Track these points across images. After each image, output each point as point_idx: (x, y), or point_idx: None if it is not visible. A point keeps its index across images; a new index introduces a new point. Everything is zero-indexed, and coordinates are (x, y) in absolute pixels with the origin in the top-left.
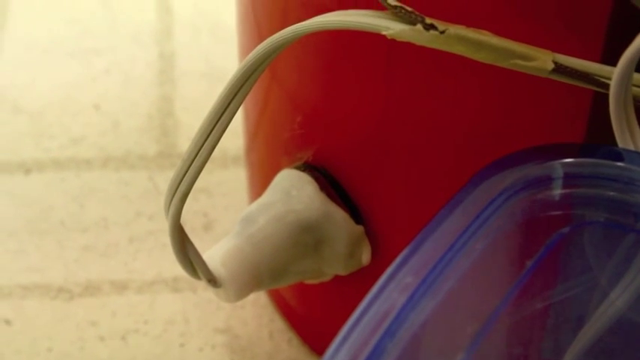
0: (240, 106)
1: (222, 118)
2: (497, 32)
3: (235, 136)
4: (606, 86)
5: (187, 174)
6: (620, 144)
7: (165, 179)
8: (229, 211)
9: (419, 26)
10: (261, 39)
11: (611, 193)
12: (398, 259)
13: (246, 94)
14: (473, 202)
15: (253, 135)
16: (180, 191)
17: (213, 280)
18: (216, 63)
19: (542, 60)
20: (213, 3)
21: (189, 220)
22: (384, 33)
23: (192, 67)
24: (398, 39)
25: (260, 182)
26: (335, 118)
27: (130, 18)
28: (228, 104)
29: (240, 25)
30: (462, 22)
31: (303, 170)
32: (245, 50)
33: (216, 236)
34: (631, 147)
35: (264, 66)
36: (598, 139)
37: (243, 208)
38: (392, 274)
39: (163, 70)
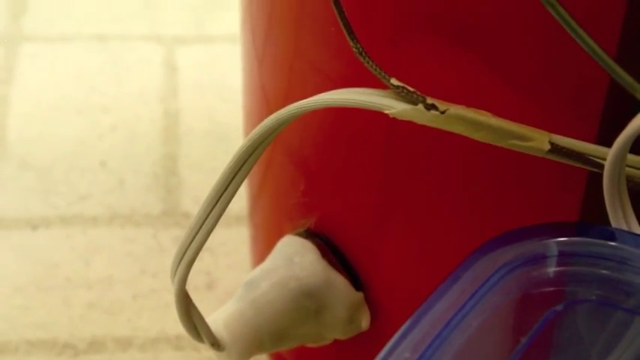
0: (245, 178)
1: (228, 189)
2: (497, 112)
3: (238, 196)
4: (601, 166)
5: (193, 242)
6: (613, 223)
7: (169, 237)
8: (232, 270)
9: (420, 106)
10: (266, 100)
11: (604, 272)
12: (397, 335)
13: (251, 167)
14: (469, 279)
15: (256, 198)
16: (187, 258)
17: (216, 344)
18: (220, 121)
19: (538, 141)
20: (218, 61)
21: (192, 279)
22: (386, 112)
23: (197, 125)
24: (400, 118)
25: (263, 245)
26: (337, 187)
27: (136, 75)
28: (234, 176)
29: (245, 85)
30: (462, 101)
31: (306, 237)
32: (249, 111)
33: (218, 295)
34: (624, 227)
35: (269, 140)
36: (593, 215)
37: (246, 267)
38: (391, 350)
39: (168, 128)
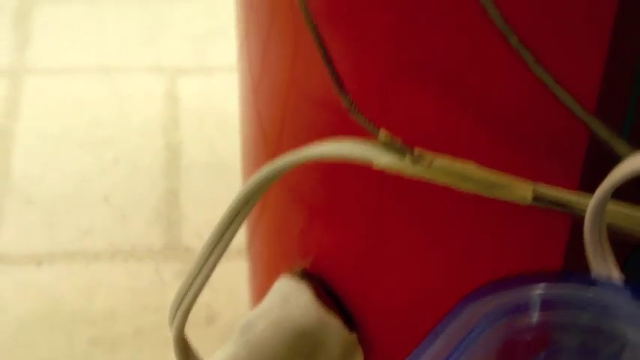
0: (240, 227)
1: (224, 238)
2: (482, 160)
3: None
4: (583, 214)
5: (190, 289)
6: (595, 271)
7: (170, 271)
8: (232, 303)
9: (407, 159)
10: (263, 131)
11: (585, 319)
12: None
13: (245, 217)
14: (455, 329)
15: (253, 237)
16: (184, 305)
17: None
18: (221, 153)
19: (522, 190)
20: (219, 92)
21: (192, 314)
22: (374, 165)
23: (198, 158)
24: (387, 170)
25: (261, 283)
26: (331, 229)
27: (138, 108)
28: (228, 227)
29: (242, 114)
30: (449, 149)
31: (301, 278)
32: (246, 141)
33: (218, 329)
34: (605, 274)
35: (262, 191)
36: (578, 260)
37: (246, 301)
38: None
39: (170, 161)
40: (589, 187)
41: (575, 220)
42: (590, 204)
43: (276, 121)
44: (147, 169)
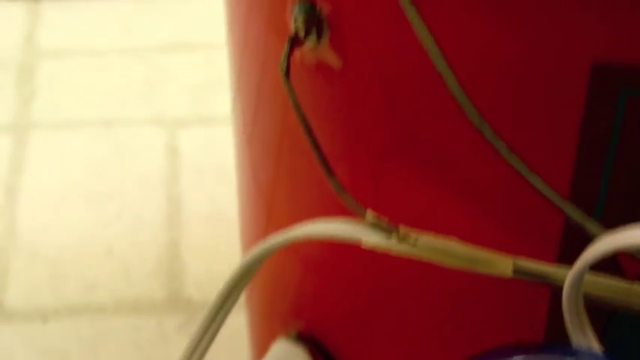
0: (235, 303)
1: (219, 316)
2: (464, 237)
3: None
4: (562, 284)
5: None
6: (574, 341)
7: (173, 325)
8: (232, 357)
9: (393, 238)
10: (257, 182)
11: None
12: None
13: (240, 293)
14: None
15: (250, 297)
16: None
17: None
18: (221, 204)
19: (503, 265)
20: (218, 143)
21: None
22: (362, 244)
23: (198, 209)
24: (375, 250)
25: (258, 339)
26: (326, 293)
27: (139, 161)
28: (222, 306)
29: (237, 168)
30: (435, 226)
31: (296, 340)
32: (241, 195)
33: None
34: (584, 344)
35: (253, 269)
36: (558, 331)
37: (246, 354)
38: None
39: (171, 213)
40: (568, 259)
41: (555, 291)
42: (566, 282)
43: (270, 173)
44: (149, 222)
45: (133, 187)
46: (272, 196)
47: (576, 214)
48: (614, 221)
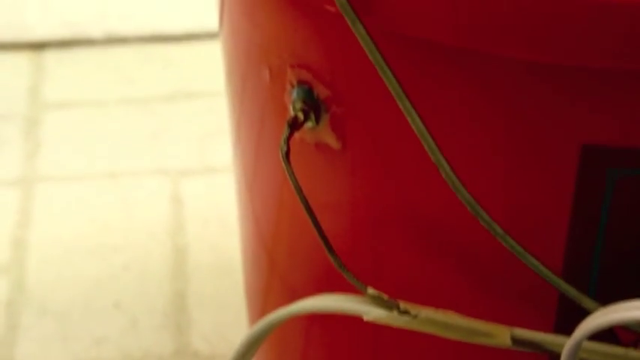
0: None
1: None
2: (464, 310)
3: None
4: (559, 352)
5: None
6: None
7: None
8: None
9: (394, 312)
10: (259, 233)
11: None
12: None
13: None
14: None
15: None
16: None
17: None
18: (226, 254)
19: (501, 336)
20: (222, 192)
21: None
22: (364, 318)
23: (204, 260)
24: (376, 323)
25: None
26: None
27: (144, 212)
28: None
29: (239, 215)
30: (435, 300)
31: None
32: (244, 243)
33: None
34: None
35: (260, 342)
36: None
37: None
38: None
39: (176, 265)
40: (565, 327)
41: (553, 358)
42: (564, 353)
43: (271, 224)
44: (155, 274)
45: (139, 238)
46: (274, 248)
47: (570, 291)
48: (607, 296)
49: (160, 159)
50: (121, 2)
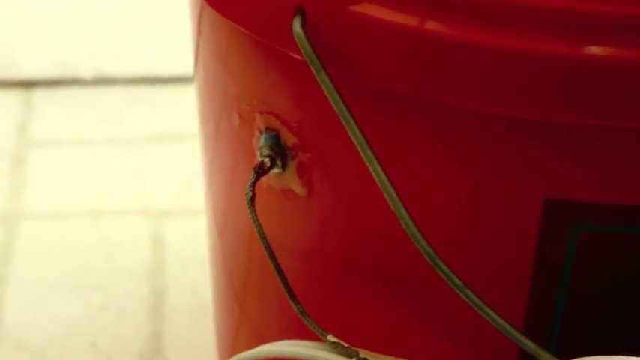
0: None
1: None
2: (421, 356)
3: None
4: None
5: None
6: None
7: None
8: None
9: (354, 359)
10: (228, 275)
11: None
12: None
13: None
14: None
15: None
16: None
17: None
18: (204, 296)
19: None
20: (203, 236)
21: None
22: None
23: (182, 302)
24: None
25: None
26: None
27: (125, 253)
28: None
29: (211, 261)
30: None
31: None
32: (215, 288)
33: None
34: None
35: None
36: None
37: None
38: None
39: (154, 306)
40: None
41: None
42: None
43: (241, 265)
44: (133, 314)
45: (118, 278)
46: (243, 292)
47: (529, 345)
48: (569, 351)
49: (143, 199)
50: (110, 43)
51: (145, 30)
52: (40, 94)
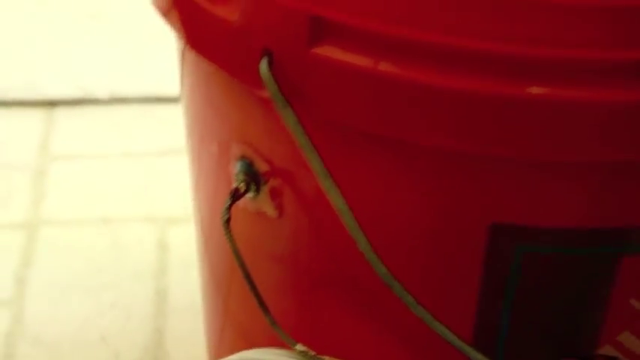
0: None
1: None
2: None
3: None
4: None
5: None
6: None
7: None
8: None
9: None
10: (215, 279)
11: None
12: None
13: None
14: None
15: None
16: None
17: None
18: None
19: None
20: None
21: None
22: None
23: (183, 302)
24: None
25: None
26: None
27: (132, 256)
28: None
29: (200, 266)
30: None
31: None
32: (204, 288)
33: None
34: None
35: None
36: None
37: None
38: None
39: (158, 305)
40: None
41: None
42: None
43: (224, 273)
44: (138, 312)
45: (126, 279)
46: (227, 296)
47: (478, 357)
48: None
49: (150, 207)
50: (124, 67)
51: (154, 54)
52: (60, 113)
